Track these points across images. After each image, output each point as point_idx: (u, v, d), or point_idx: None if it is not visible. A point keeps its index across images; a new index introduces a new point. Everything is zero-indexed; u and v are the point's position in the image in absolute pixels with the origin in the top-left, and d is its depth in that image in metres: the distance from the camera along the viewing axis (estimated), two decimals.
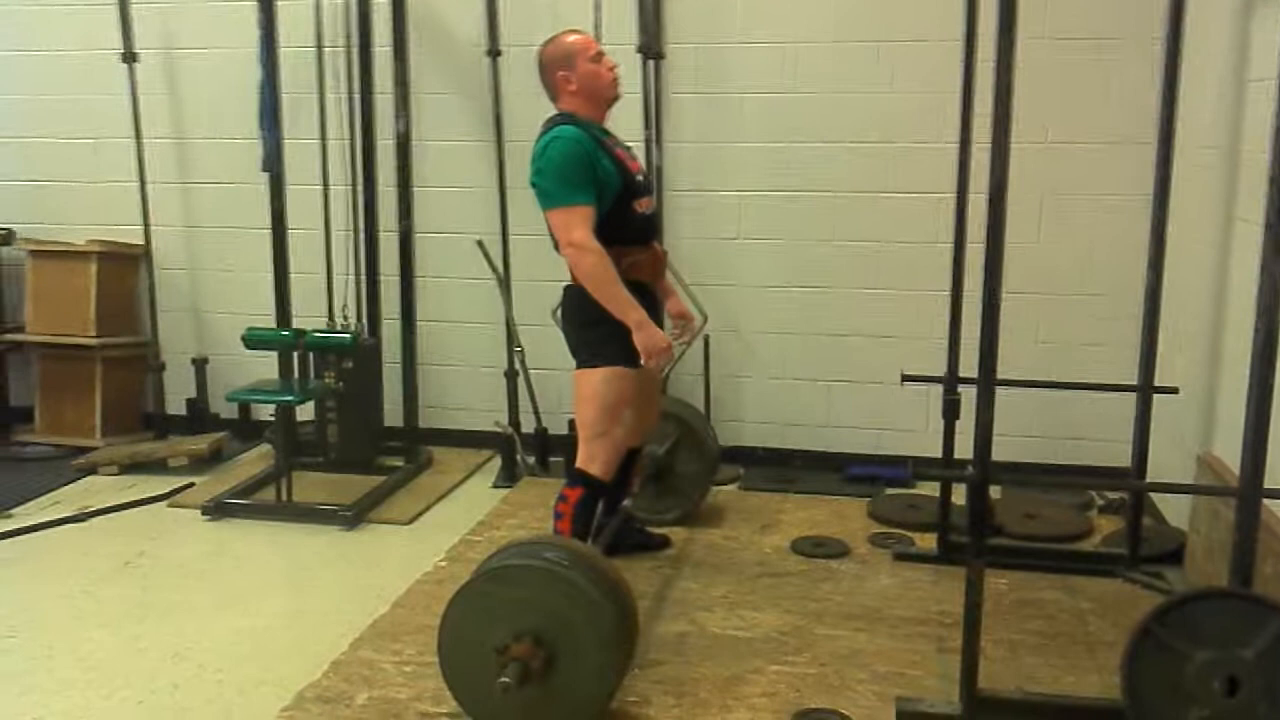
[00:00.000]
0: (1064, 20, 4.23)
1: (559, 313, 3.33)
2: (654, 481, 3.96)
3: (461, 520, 4.13)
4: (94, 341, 4.98)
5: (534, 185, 3.10)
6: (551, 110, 3.27)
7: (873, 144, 4.47)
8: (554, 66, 3.20)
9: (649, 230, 3.29)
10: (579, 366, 3.18)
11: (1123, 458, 3.65)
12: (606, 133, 3.23)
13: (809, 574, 3.62)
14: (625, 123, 4.51)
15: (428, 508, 4.33)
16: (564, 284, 3.22)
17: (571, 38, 3.23)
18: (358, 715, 2.73)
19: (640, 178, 3.27)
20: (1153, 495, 4.05)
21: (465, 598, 2.60)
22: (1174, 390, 3.49)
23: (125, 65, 4.88)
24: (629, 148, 3.33)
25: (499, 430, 4.70)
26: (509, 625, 2.54)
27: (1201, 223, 3.69)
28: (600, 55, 3.22)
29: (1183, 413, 3.70)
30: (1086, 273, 4.39)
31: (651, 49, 4.46)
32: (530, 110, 4.67)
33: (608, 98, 3.25)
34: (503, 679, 2.45)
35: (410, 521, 4.19)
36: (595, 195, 3.05)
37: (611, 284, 3.03)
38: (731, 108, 4.59)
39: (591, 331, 3.14)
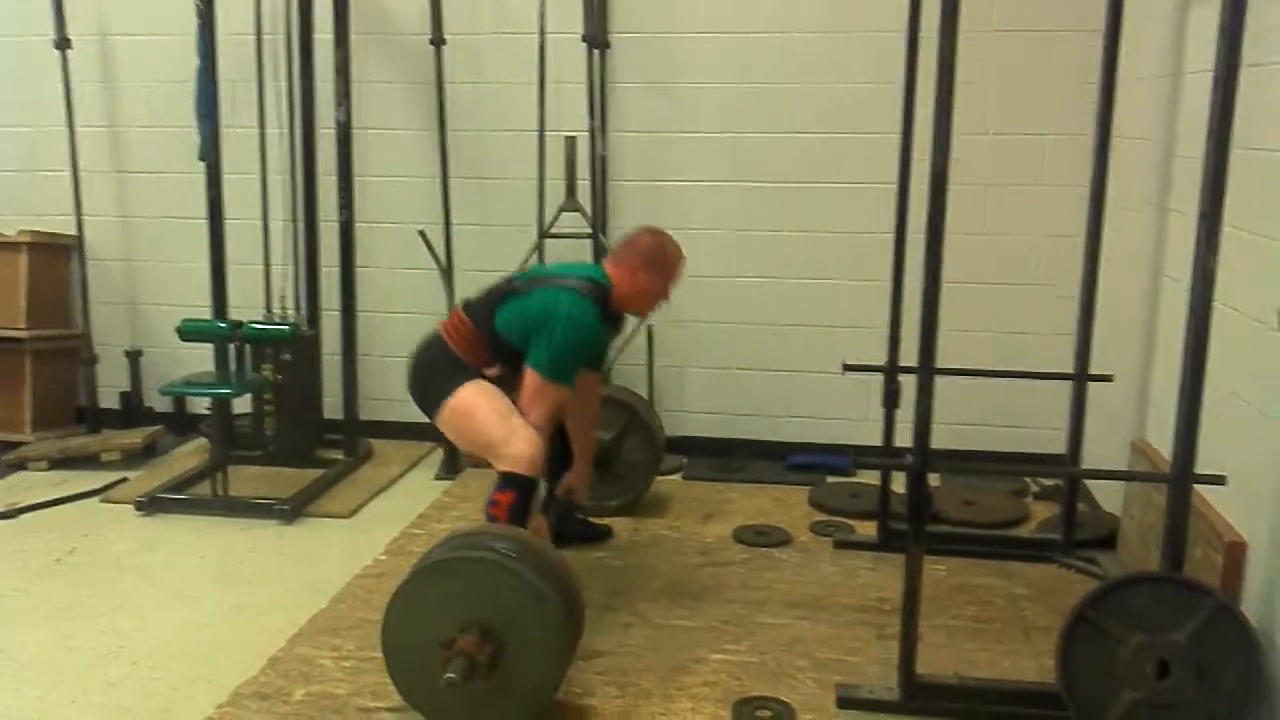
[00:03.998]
0: (1006, 12, 4.27)
1: (412, 378, 3.36)
2: (600, 468, 3.95)
3: (403, 513, 4.10)
4: (24, 334, 4.86)
5: (535, 331, 3.13)
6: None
7: (818, 134, 4.49)
8: (641, 255, 3.29)
9: None
10: (440, 405, 3.21)
11: (1058, 444, 3.71)
12: (612, 323, 3.36)
13: (751, 563, 3.64)
14: (569, 112, 4.52)
15: (368, 501, 4.29)
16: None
17: (674, 254, 3.36)
18: (295, 711, 2.70)
19: None
20: (1087, 481, 4.11)
21: (411, 589, 2.58)
22: (1109, 378, 3.55)
23: (58, 52, 4.76)
24: (612, 336, 3.49)
25: None
26: (455, 617, 2.52)
27: (1137, 214, 3.75)
28: (673, 285, 3.38)
29: (1117, 400, 3.76)
30: (1024, 262, 4.45)
31: (597, 38, 4.45)
32: (473, 99, 4.68)
33: (635, 313, 3.43)
34: (448, 675, 2.43)
35: (350, 515, 4.15)
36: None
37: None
38: (676, 98, 4.58)
39: (437, 381, 3.24)
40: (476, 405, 3.15)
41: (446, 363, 3.25)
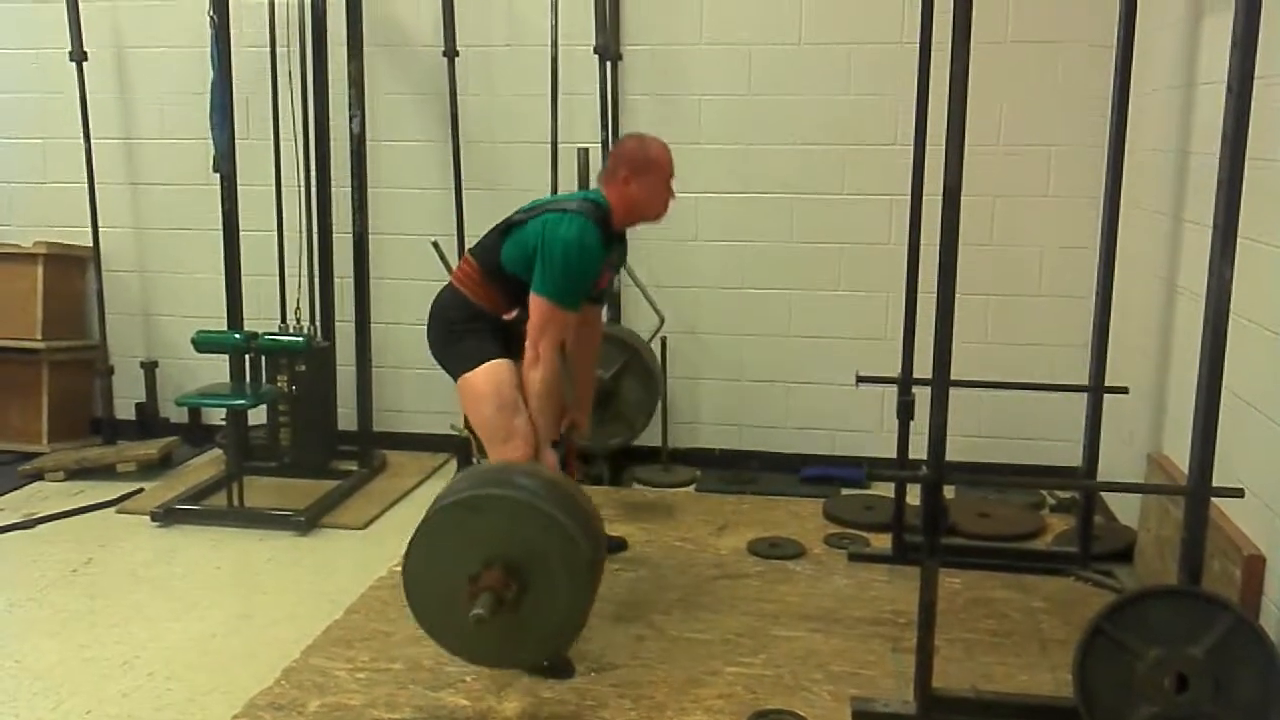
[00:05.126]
0: (1018, 24, 4.27)
1: (429, 331, 3.39)
2: (599, 408, 3.96)
3: (416, 524, 4.09)
4: (40, 345, 4.89)
5: (537, 255, 3.12)
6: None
7: (828, 145, 4.49)
8: (628, 163, 3.26)
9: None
10: (456, 372, 3.25)
11: (1074, 457, 3.69)
12: (615, 244, 3.33)
13: (765, 575, 3.63)
14: (581, 124, 4.53)
15: (382, 512, 4.29)
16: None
17: (660, 151, 3.29)
18: None
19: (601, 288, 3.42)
20: (1103, 494, 4.09)
21: (436, 524, 2.62)
22: (1124, 390, 3.54)
23: (74, 64, 4.79)
24: (617, 260, 3.45)
25: (454, 433, 4.66)
26: (480, 553, 2.53)
27: (1151, 225, 3.73)
28: (671, 180, 3.31)
29: (1133, 412, 3.75)
30: (1038, 274, 4.44)
31: (609, 50, 4.46)
32: (486, 111, 4.70)
33: (646, 219, 3.37)
34: (476, 610, 2.44)
35: (364, 526, 4.15)
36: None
37: (552, 397, 3.20)
38: (688, 109, 4.59)
39: (459, 344, 3.26)
40: (486, 394, 3.19)
41: (462, 315, 3.28)
